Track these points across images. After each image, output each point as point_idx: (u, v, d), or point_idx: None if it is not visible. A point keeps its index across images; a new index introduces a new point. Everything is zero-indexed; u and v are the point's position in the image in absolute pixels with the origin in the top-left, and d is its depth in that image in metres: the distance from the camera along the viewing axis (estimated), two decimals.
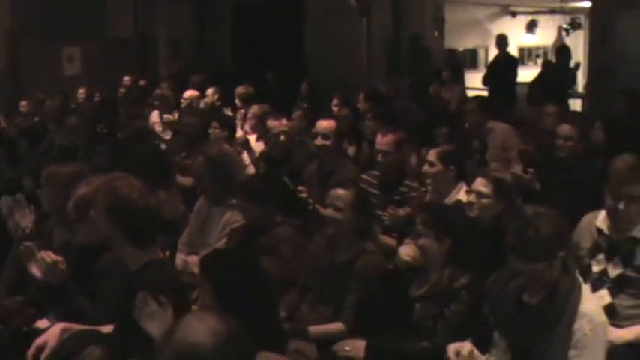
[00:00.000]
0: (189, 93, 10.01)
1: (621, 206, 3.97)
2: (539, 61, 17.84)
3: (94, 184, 3.97)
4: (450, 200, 5.14)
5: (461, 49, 16.34)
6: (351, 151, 7.03)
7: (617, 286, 4.01)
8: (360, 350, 3.98)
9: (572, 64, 13.07)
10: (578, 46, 15.47)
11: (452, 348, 3.57)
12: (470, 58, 16.59)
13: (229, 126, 7.52)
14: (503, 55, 12.29)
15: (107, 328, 3.60)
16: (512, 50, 14.70)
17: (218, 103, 10.11)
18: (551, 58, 15.01)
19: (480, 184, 4.68)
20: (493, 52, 12.91)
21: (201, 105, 9.95)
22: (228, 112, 9.59)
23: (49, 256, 3.92)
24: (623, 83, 8.43)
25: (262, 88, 10.68)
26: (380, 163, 5.78)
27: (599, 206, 4.23)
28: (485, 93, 11.37)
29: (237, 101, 10.03)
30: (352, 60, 12.44)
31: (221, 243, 5.09)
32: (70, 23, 13.56)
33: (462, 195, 5.09)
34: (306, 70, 12.87)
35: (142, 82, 12.22)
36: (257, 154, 7.14)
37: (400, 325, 4.02)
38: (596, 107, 9.48)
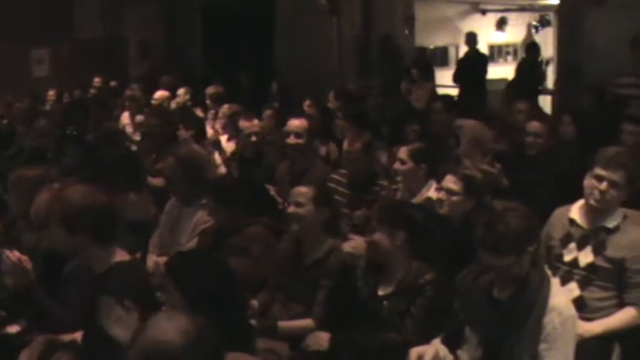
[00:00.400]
0: (160, 94, 9.99)
1: (603, 186, 4.00)
2: (510, 58, 17.98)
3: (52, 192, 3.98)
4: (420, 198, 5.17)
5: (431, 47, 16.39)
6: (322, 150, 7.02)
7: (586, 277, 4.04)
8: (323, 342, 3.99)
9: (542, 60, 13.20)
10: (547, 43, 15.53)
11: (414, 352, 3.58)
12: (440, 56, 16.63)
13: (197, 127, 7.50)
14: (472, 53, 12.35)
15: (79, 335, 3.58)
16: (483, 48, 14.75)
17: (189, 104, 10.08)
18: (521, 55, 15.11)
19: (450, 182, 4.69)
20: (464, 50, 12.96)
21: (172, 105, 9.92)
22: (199, 112, 9.56)
23: (13, 255, 3.89)
24: (591, 79, 8.49)
25: (233, 88, 10.65)
26: (349, 163, 5.79)
27: (569, 201, 4.26)
28: (455, 90, 11.43)
29: (208, 101, 10.00)
30: (323, 59, 12.43)
31: (192, 243, 5.09)
32: (38, 25, 13.46)
33: (432, 192, 5.11)
34: (277, 69, 12.86)
35: (112, 84, 12.16)
36: (228, 154, 7.13)
37: (369, 323, 4.03)
38: (565, 103, 9.54)
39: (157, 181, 6.69)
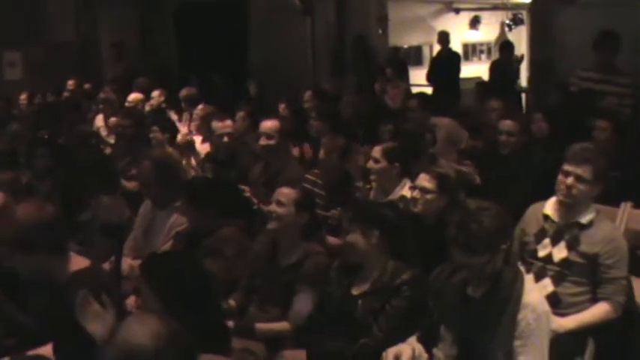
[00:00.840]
0: (134, 96, 9.95)
1: (569, 181, 4.03)
2: (483, 56, 18.06)
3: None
4: (394, 196, 5.18)
5: (405, 46, 16.43)
6: (296, 151, 7.02)
7: (560, 272, 4.07)
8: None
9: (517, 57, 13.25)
10: (521, 41, 15.59)
11: (391, 353, 3.59)
12: (414, 55, 16.68)
13: (170, 129, 7.48)
14: (445, 52, 12.39)
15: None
16: (456, 46, 14.81)
17: (164, 106, 10.05)
18: (495, 53, 15.18)
19: (424, 180, 4.71)
20: (438, 49, 12.99)
21: (147, 108, 9.88)
22: (174, 114, 9.53)
23: None
24: (564, 77, 8.53)
25: (208, 89, 10.63)
26: (325, 171, 5.82)
27: (543, 197, 4.29)
28: (430, 90, 11.45)
29: (183, 104, 9.98)
30: (297, 59, 12.44)
31: (167, 246, 5.07)
32: (10, 28, 13.36)
33: (406, 191, 5.13)
34: (251, 70, 12.84)
35: (86, 86, 12.10)
36: (203, 156, 7.11)
37: (345, 324, 4.03)
38: (537, 100, 9.59)
39: (130, 185, 6.67)
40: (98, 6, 14.43)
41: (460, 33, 17.06)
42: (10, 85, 13.17)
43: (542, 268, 4.12)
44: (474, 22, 18.04)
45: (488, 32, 18.29)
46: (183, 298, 3.14)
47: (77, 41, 14.54)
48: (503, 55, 12.60)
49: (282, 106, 8.54)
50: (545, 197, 4.28)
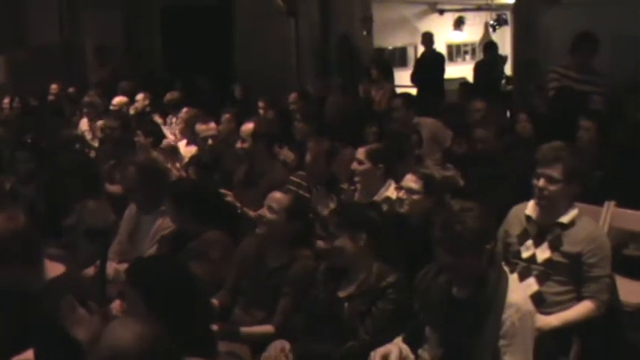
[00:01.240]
0: (119, 99, 9.94)
1: (541, 183, 4.05)
2: (468, 57, 18.12)
3: None
4: (379, 198, 5.18)
5: (390, 48, 16.46)
6: (282, 153, 7.00)
7: (544, 272, 4.09)
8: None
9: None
10: (505, 41, 15.65)
11: (378, 353, 3.59)
12: (399, 56, 16.71)
13: (154, 133, 7.46)
14: (429, 53, 12.41)
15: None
16: (441, 47, 14.84)
17: (148, 109, 10.03)
18: (479, 54, 15.22)
19: (410, 180, 4.72)
20: (422, 50, 13.01)
21: (131, 111, 9.86)
22: (158, 118, 9.51)
23: None
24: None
25: (192, 92, 10.61)
26: (309, 167, 5.83)
27: (527, 198, 4.31)
28: (414, 90, 11.47)
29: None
30: (282, 61, 12.43)
31: (152, 250, 5.06)
32: None
33: (390, 192, 5.14)
34: (236, 72, 12.83)
35: (70, 90, 12.05)
36: (187, 159, 7.10)
37: (332, 327, 4.03)
38: (522, 101, 9.60)
39: (114, 188, 6.66)
40: (82, 8, 14.36)
41: (444, 34, 17.11)
42: None
43: (527, 268, 4.13)
44: (458, 23, 18.10)
45: (472, 33, 18.36)
46: (169, 302, 3.13)
47: (61, 44, 14.47)
48: (488, 56, 12.66)
49: (261, 104, 8.55)
50: (530, 198, 4.29)
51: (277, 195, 4.55)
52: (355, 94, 10.14)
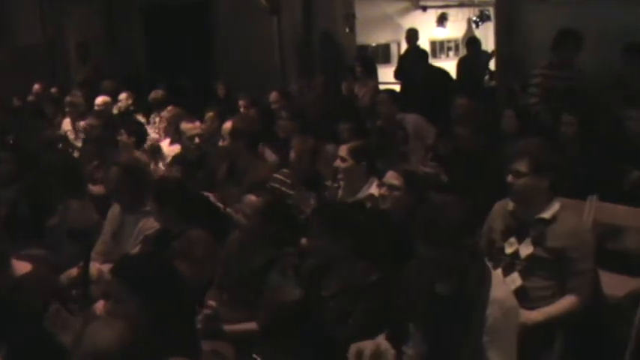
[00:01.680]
0: (102, 99, 9.90)
1: (509, 179, 4.07)
2: (451, 53, 18.17)
3: None
4: (362, 195, 5.19)
5: (373, 44, 16.49)
6: (265, 151, 7.00)
7: (528, 267, 4.10)
8: None
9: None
10: (488, 37, 15.69)
11: (354, 347, 3.59)
12: (382, 53, 16.74)
13: (137, 132, 7.45)
14: (413, 49, 12.42)
15: None
16: (424, 44, 14.88)
17: (132, 109, 10.01)
18: (463, 50, 15.26)
19: (391, 177, 4.73)
20: (405, 47, 13.02)
21: (114, 111, 9.84)
22: (141, 117, 9.49)
23: None
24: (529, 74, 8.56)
25: (175, 91, 10.59)
26: (293, 165, 5.83)
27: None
28: (398, 87, 11.47)
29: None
30: (264, 59, 12.41)
31: (135, 250, 5.05)
32: None
33: (373, 189, 5.14)
34: (219, 71, 12.81)
35: (53, 90, 12.00)
36: (170, 158, 7.09)
37: (315, 325, 4.03)
38: (505, 96, 9.62)
39: (96, 189, 6.64)
40: (64, 8, 14.30)
41: (427, 30, 17.14)
42: None
43: (510, 263, 4.15)
44: (441, 20, 18.14)
45: (455, 29, 18.42)
46: (154, 300, 3.12)
47: (43, 43, 14.41)
48: (470, 52, 12.68)
49: (241, 103, 8.56)
50: None
51: (250, 199, 4.53)
52: (338, 91, 10.13)
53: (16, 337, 3.31)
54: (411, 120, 7.49)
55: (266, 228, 4.43)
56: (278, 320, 4.17)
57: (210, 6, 13.46)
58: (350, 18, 12.67)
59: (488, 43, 14.79)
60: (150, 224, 5.15)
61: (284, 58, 12.47)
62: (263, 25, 12.41)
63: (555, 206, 4.11)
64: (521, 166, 4.07)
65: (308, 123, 7.22)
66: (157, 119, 9.13)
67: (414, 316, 3.63)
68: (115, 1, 14.56)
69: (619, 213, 5.12)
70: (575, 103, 6.88)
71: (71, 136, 9.20)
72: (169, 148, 7.54)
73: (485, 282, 3.43)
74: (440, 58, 17.74)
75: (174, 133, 7.58)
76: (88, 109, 9.62)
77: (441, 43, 18.41)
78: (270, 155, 6.50)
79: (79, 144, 8.73)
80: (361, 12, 13.60)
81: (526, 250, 4.11)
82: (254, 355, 3.95)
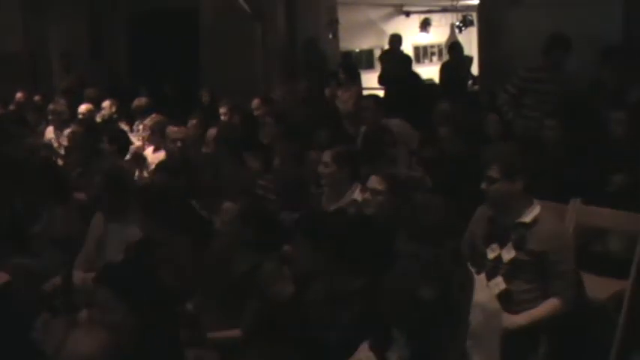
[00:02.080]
0: (85, 107, 9.88)
1: (484, 185, 4.08)
2: (435, 58, 18.20)
3: None
4: (346, 200, 5.19)
5: (357, 50, 16.51)
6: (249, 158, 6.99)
7: (511, 271, 4.11)
8: None
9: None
10: (472, 42, 15.73)
11: None
12: (366, 59, 16.76)
13: (120, 140, 7.43)
14: (396, 54, 12.43)
15: None
16: (408, 49, 14.90)
17: (115, 117, 9.98)
18: (446, 55, 15.29)
19: (375, 182, 4.73)
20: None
21: (98, 119, 9.81)
22: (124, 125, 9.47)
23: None
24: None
25: (160, 98, 10.58)
26: (277, 171, 5.83)
27: None
28: (381, 92, 11.48)
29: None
30: (249, 66, 12.41)
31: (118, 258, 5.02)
32: None
33: (357, 194, 5.14)
34: (204, 78, 12.79)
35: (36, 98, 11.95)
36: (154, 166, 7.06)
37: (296, 333, 4.02)
38: (488, 101, 9.64)
39: (80, 197, 6.61)
40: (47, 16, 14.25)
41: (411, 36, 17.16)
42: None
43: (494, 267, 4.16)
44: (425, 25, 18.17)
45: (438, 34, 18.46)
46: (137, 308, 3.11)
47: (26, 52, 14.35)
48: (453, 57, 12.70)
49: (222, 110, 8.56)
50: None
51: (227, 206, 4.55)
52: (322, 97, 10.13)
53: None
54: (394, 125, 7.49)
55: (245, 232, 4.42)
56: (267, 322, 4.16)
57: (195, 14, 13.44)
58: (333, 24, 12.70)
59: (472, 48, 14.83)
60: (135, 232, 5.12)
61: (268, 64, 12.47)
62: (247, 32, 12.41)
63: (536, 210, 4.12)
64: (493, 172, 4.10)
65: (292, 129, 7.20)
66: (141, 127, 9.10)
67: (397, 322, 3.61)
68: (99, 8, 14.52)
69: (602, 216, 5.14)
70: (561, 106, 6.93)
71: (54, 144, 9.17)
72: (153, 156, 7.52)
73: (468, 286, 3.43)
74: (423, 63, 17.78)
75: (158, 140, 7.56)
76: (71, 117, 9.59)
77: (425, 48, 18.44)
78: (253, 162, 6.48)
79: (62, 152, 8.70)
80: (344, 18, 13.63)
81: (508, 254, 4.12)
82: None
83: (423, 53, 18.34)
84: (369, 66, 16.16)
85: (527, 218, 4.10)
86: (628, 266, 4.62)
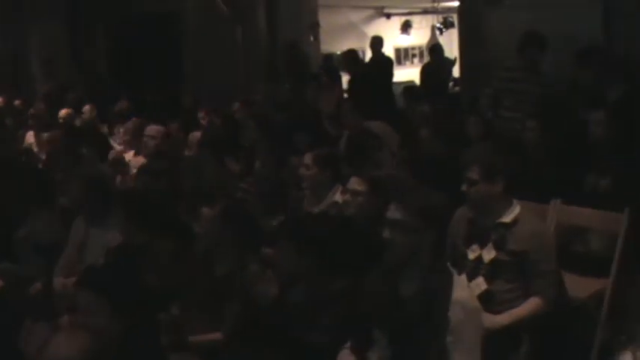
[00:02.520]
0: (65, 111, 9.86)
1: (464, 187, 4.10)
2: (416, 60, 18.25)
3: None
4: (327, 202, 5.19)
5: (338, 52, 16.50)
6: (230, 161, 6.99)
7: (492, 272, 4.12)
8: None
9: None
10: (453, 44, 15.79)
11: None
12: None
13: (101, 144, 7.42)
14: (378, 56, 12.44)
15: None
16: (389, 51, 14.93)
17: (95, 121, 9.96)
18: (427, 57, 15.33)
19: (355, 183, 4.74)
20: (370, 54, 13.05)
21: (78, 123, 9.79)
22: (105, 129, 9.45)
23: None
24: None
25: (141, 103, 10.56)
26: (258, 174, 5.83)
27: None
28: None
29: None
30: (230, 69, 12.39)
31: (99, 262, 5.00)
32: None
33: (338, 196, 5.15)
34: (185, 81, 12.78)
35: (16, 103, 11.91)
36: (135, 170, 7.05)
37: (279, 336, 4.01)
38: (469, 103, 9.67)
39: (61, 201, 6.57)
40: (27, 21, 14.20)
41: (392, 38, 17.21)
42: None
43: (475, 268, 4.17)
44: (406, 27, 18.22)
45: (419, 36, 18.52)
46: (120, 312, 3.11)
47: (6, 57, 14.29)
48: (434, 58, 12.74)
49: (201, 114, 8.56)
50: None
51: (205, 211, 4.54)
52: (303, 99, 10.14)
53: None
54: (375, 127, 7.50)
55: (224, 233, 4.41)
56: (249, 324, 4.15)
57: (176, 17, 13.42)
58: (314, 26, 12.72)
59: (453, 49, 14.88)
60: (116, 237, 5.11)
61: (249, 67, 12.46)
62: (228, 35, 12.40)
63: (516, 210, 4.13)
64: (473, 174, 4.11)
65: (273, 132, 7.20)
66: (122, 131, 9.08)
67: (378, 321, 3.62)
68: (80, 12, 14.47)
69: (582, 216, 5.16)
70: (540, 107, 6.96)
71: (35, 148, 9.14)
72: (134, 160, 7.51)
73: (447, 285, 3.43)
74: (405, 65, 17.82)
75: (138, 144, 7.55)
76: (51, 121, 9.56)
77: (406, 50, 18.49)
78: (234, 165, 6.49)
79: (42, 156, 8.66)
80: (325, 20, 13.65)
81: (488, 255, 4.13)
82: None
83: (404, 55, 18.39)
84: None
85: (508, 218, 4.11)
86: (608, 265, 4.63)
